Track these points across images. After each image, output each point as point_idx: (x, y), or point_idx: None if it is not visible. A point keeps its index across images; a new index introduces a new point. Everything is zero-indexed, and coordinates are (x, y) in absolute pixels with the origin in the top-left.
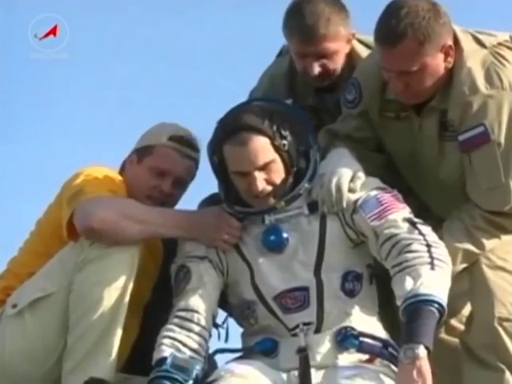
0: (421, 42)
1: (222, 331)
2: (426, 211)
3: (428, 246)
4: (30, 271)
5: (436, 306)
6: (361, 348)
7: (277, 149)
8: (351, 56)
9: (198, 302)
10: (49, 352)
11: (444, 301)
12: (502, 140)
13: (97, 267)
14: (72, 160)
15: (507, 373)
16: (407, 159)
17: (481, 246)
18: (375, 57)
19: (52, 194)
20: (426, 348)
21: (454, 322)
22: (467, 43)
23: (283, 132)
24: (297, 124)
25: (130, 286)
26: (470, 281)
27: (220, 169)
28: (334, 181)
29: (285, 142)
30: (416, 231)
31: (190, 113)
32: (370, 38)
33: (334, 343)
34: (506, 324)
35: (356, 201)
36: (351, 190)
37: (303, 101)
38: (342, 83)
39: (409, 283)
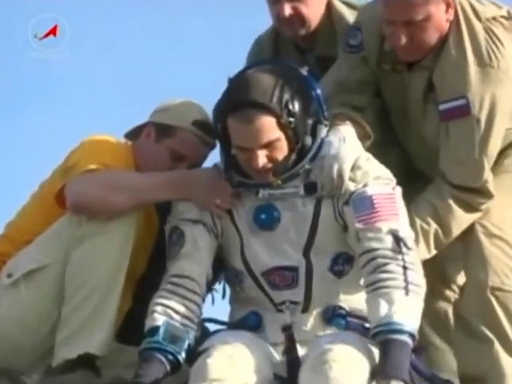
0: None
1: (216, 295)
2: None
3: (404, 268)
4: (26, 238)
5: (408, 335)
6: (347, 328)
7: (282, 127)
8: (331, 15)
9: (191, 268)
10: (42, 322)
11: (415, 330)
12: (483, 117)
13: (95, 241)
14: None
15: (496, 343)
16: (399, 113)
17: (448, 232)
18: (377, 11)
19: None
20: (404, 382)
21: (446, 289)
22: (465, 8)
23: (291, 108)
24: (308, 94)
25: (127, 260)
26: (464, 249)
27: (223, 136)
28: (336, 166)
29: (292, 119)
30: (397, 249)
31: None
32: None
33: (321, 320)
34: (498, 293)
35: (352, 193)
36: (351, 180)
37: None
38: (321, 41)
39: (383, 308)
